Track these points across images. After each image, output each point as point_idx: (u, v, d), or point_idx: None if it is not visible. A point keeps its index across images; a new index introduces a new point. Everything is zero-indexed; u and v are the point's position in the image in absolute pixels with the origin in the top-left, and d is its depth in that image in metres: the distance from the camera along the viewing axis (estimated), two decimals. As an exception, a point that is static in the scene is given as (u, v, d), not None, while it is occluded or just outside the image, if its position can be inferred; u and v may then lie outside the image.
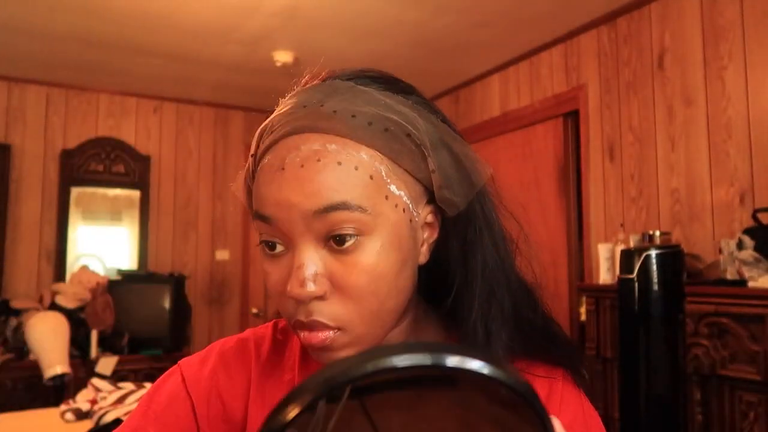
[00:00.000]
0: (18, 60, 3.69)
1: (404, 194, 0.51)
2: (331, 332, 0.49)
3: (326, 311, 0.48)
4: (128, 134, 4.34)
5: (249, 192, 0.55)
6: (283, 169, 0.48)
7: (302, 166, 0.48)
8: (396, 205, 0.50)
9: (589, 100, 3.15)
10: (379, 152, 0.49)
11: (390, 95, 0.52)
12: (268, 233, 0.50)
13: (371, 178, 0.48)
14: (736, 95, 2.45)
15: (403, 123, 0.50)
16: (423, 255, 0.54)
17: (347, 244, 0.48)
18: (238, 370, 0.60)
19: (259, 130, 0.54)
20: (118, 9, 2.96)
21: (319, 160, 0.47)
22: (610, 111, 3.03)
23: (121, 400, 2.12)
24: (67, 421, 2.08)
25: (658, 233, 2.45)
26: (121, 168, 4.28)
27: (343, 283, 0.48)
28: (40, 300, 3.79)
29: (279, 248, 0.50)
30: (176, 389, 0.59)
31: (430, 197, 0.53)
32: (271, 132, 0.51)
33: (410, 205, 0.51)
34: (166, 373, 0.62)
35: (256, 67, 3.74)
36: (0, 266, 3.86)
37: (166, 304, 3.81)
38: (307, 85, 0.53)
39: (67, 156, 4.10)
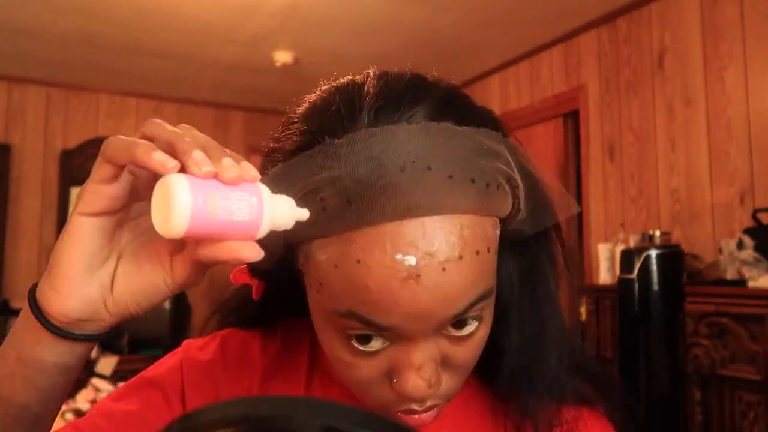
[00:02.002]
0: (18, 60, 3.69)
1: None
2: (440, 407, 0.44)
3: (442, 393, 0.43)
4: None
5: None
6: (419, 275, 0.37)
7: (444, 269, 0.38)
8: (494, 268, 0.44)
9: (589, 100, 3.15)
10: (497, 217, 0.42)
11: (485, 133, 0.41)
12: (373, 333, 0.41)
13: (495, 252, 0.42)
14: (736, 95, 2.44)
15: (506, 169, 0.41)
16: None
17: (470, 329, 0.42)
18: (240, 364, 0.55)
19: (303, 181, 0.39)
20: (118, 9, 2.96)
21: (460, 258, 0.38)
22: (610, 111, 3.03)
23: (121, 400, 2.12)
24: (68, 421, 2.08)
25: (658, 233, 2.45)
26: (121, 168, 4.27)
27: (457, 364, 0.43)
28: (40, 300, 3.78)
29: (377, 343, 0.41)
30: (173, 367, 0.55)
31: None
32: (348, 202, 0.37)
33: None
34: (171, 352, 0.58)
35: (256, 67, 3.74)
36: (0, 266, 3.86)
37: (166, 304, 3.81)
38: (381, 126, 0.39)
39: (67, 156, 4.10)
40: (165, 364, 0.56)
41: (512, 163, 0.42)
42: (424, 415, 0.43)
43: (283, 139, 0.43)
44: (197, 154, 0.33)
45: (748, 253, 2.05)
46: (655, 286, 2.15)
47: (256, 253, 0.34)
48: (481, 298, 0.40)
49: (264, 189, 0.34)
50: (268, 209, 0.34)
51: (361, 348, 0.41)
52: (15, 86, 4.00)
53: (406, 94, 0.41)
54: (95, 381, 2.35)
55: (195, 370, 0.54)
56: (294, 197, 0.37)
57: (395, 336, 0.40)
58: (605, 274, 2.68)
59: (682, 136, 2.66)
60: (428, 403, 0.43)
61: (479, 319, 0.42)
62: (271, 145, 0.44)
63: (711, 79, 2.55)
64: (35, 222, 4.01)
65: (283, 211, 0.35)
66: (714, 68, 2.53)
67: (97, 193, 0.38)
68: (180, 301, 3.91)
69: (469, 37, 3.31)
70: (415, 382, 0.40)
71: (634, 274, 2.19)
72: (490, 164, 0.40)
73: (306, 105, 0.44)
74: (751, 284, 1.96)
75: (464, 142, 0.39)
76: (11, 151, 3.94)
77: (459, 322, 0.41)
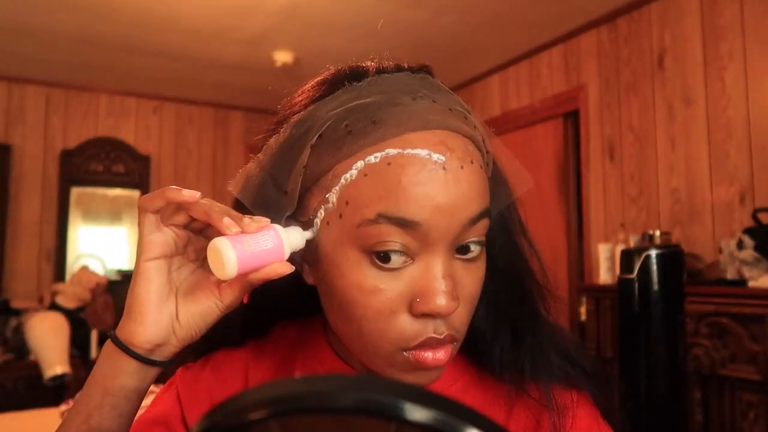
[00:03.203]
0: (18, 60, 3.69)
1: None
2: (453, 345, 0.46)
3: (454, 322, 0.45)
4: (128, 134, 4.34)
5: (270, 189, 0.48)
6: (444, 169, 0.43)
7: (462, 167, 0.44)
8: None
9: (589, 100, 3.15)
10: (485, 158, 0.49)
11: (461, 100, 0.51)
12: (396, 241, 0.43)
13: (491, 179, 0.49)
14: (736, 95, 2.45)
15: (480, 128, 0.50)
16: None
17: (474, 253, 0.46)
18: (231, 378, 0.58)
19: (324, 118, 0.46)
20: (118, 9, 2.96)
21: (472, 162, 0.45)
22: (610, 111, 3.03)
23: (121, 400, 2.12)
24: (67, 421, 2.08)
25: (658, 233, 2.45)
26: (121, 168, 4.28)
27: (466, 292, 0.46)
28: (40, 300, 3.79)
29: (399, 260, 0.43)
30: (171, 400, 0.58)
31: None
32: (373, 122, 0.44)
33: None
34: (166, 384, 0.61)
35: (256, 67, 3.74)
36: (0, 266, 3.86)
37: (166, 304, 3.80)
38: (382, 74, 0.49)
39: (67, 156, 4.10)
40: (162, 400, 0.59)
41: (478, 130, 0.49)
42: (440, 354, 0.44)
43: (297, 101, 0.50)
44: (226, 220, 0.43)
45: (748, 253, 2.05)
46: (655, 286, 2.15)
47: (288, 268, 0.45)
48: (488, 213, 0.46)
49: (276, 225, 0.45)
50: (284, 236, 0.45)
51: (383, 265, 0.43)
52: (15, 86, 4.00)
53: (402, 63, 0.52)
54: (95, 381, 2.35)
55: (192, 397, 0.57)
56: (318, 131, 0.45)
57: (420, 242, 0.43)
58: (605, 274, 2.68)
59: (682, 136, 2.66)
60: (445, 331, 0.44)
61: (481, 244, 0.46)
62: (286, 110, 0.51)
63: (711, 79, 2.55)
64: (35, 222, 4.01)
65: (295, 235, 0.46)
66: (714, 68, 2.53)
67: (150, 243, 0.46)
68: (180, 301, 3.91)
69: (469, 38, 3.31)
70: (438, 294, 0.43)
71: (634, 274, 2.19)
72: (479, 126, 0.49)
73: (315, 79, 0.52)
74: (751, 284, 1.96)
75: (450, 96, 0.49)
76: (11, 151, 3.94)
77: (464, 248, 0.45)
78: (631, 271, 2.20)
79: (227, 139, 4.66)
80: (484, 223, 0.45)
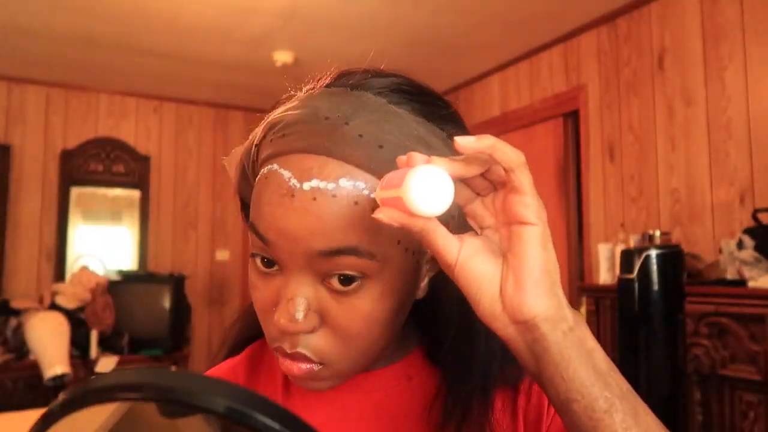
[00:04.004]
0: (18, 60, 3.69)
1: None
2: (314, 366, 0.46)
3: (312, 345, 0.45)
4: (128, 134, 4.34)
5: (243, 172, 0.52)
6: (293, 196, 0.43)
7: (315, 199, 0.43)
8: (406, 249, 0.46)
9: (589, 100, 3.15)
10: None
11: (424, 123, 0.47)
12: (263, 251, 0.46)
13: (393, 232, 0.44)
14: (736, 95, 2.45)
15: (421, 150, 0.45)
16: (422, 290, 0.50)
17: (347, 287, 0.44)
18: (263, 374, 0.59)
19: (269, 120, 0.49)
20: (118, 9, 2.96)
21: (334, 196, 0.43)
22: (610, 111, 3.03)
23: (121, 400, 2.12)
24: (67, 421, 2.08)
25: (658, 233, 2.45)
26: (121, 168, 4.28)
27: (335, 324, 0.45)
28: (40, 300, 3.79)
29: (271, 266, 0.46)
30: None
31: None
32: (283, 134, 0.46)
33: (419, 246, 0.47)
34: None
35: (256, 67, 3.74)
36: (0, 266, 3.86)
37: (166, 304, 3.81)
38: (333, 88, 0.48)
39: (67, 156, 4.10)
40: None
41: (437, 147, 0.46)
42: (294, 366, 0.46)
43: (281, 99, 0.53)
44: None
45: (748, 253, 2.05)
46: (655, 286, 2.15)
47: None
48: (353, 252, 0.43)
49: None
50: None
51: (261, 267, 0.47)
52: (15, 86, 4.00)
53: (357, 74, 0.49)
54: (95, 381, 2.35)
55: None
56: (263, 131, 0.48)
57: (276, 258, 0.45)
58: (605, 274, 2.68)
59: (682, 136, 2.66)
60: (297, 349, 0.45)
61: (357, 280, 0.44)
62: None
63: (711, 79, 2.55)
64: (35, 222, 4.01)
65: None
66: (714, 68, 2.53)
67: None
68: (180, 301, 3.91)
69: (468, 38, 3.31)
70: (281, 311, 0.44)
71: (634, 274, 2.19)
72: (412, 145, 0.45)
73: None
74: (751, 284, 1.96)
75: (393, 119, 0.45)
76: (11, 151, 3.94)
77: (340, 278, 0.44)
78: (631, 271, 2.20)
79: (227, 139, 4.66)
80: (350, 260, 0.43)
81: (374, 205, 0.42)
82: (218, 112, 4.66)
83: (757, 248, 2.06)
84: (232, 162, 0.54)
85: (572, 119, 3.33)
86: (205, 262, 4.53)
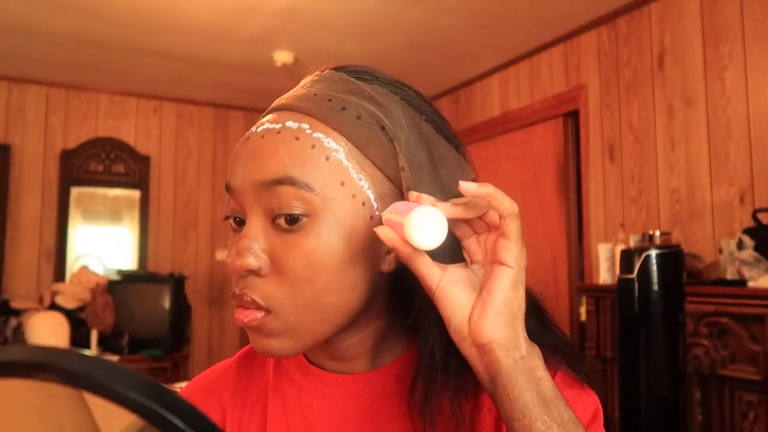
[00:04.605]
0: (18, 60, 3.69)
1: (366, 186, 0.48)
2: (260, 313, 0.47)
3: (259, 289, 0.47)
4: (128, 134, 4.34)
5: None
6: (248, 139, 0.50)
7: (263, 137, 0.49)
8: (353, 195, 0.48)
9: (589, 100, 3.15)
10: (345, 137, 0.48)
11: (378, 89, 0.51)
12: (231, 206, 0.50)
13: (327, 159, 0.47)
14: (736, 95, 2.44)
15: (379, 115, 0.49)
16: (388, 263, 0.50)
17: (293, 224, 0.47)
18: (211, 400, 0.59)
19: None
20: (118, 9, 2.96)
21: (278, 133, 0.48)
22: (610, 111, 3.03)
23: (121, 400, 2.12)
24: (67, 421, 2.08)
25: (658, 233, 2.45)
26: (121, 168, 4.28)
27: (282, 264, 0.47)
28: (40, 300, 3.79)
29: (239, 223, 0.50)
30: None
31: None
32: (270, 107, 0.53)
33: (372, 201, 0.48)
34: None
35: (256, 67, 3.74)
36: (0, 266, 3.86)
37: (166, 304, 3.81)
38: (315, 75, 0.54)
39: (67, 156, 4.10)
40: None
41: (398, 124, 0.49)
42: (244, 314, 0.47)
43: None
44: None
45: (748, 253, 2.05)
46: (655, 286, 2.15)
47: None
48: (291, 181, 0.46)
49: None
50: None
51: (234, 226, 0.50)
52: (15, 86, 4.00)
53: (359, 68, 0.54)
54: (95, 381, 2.35)
55: (198, 395, 0.60)
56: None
57: (238, 206, 0.49)
58: (605, 274, 2.68)
59: (682, 136, 2.66)
60: (245, 290, 0.47)
61: (304, 218, 0.46)
62: None
63: (711, 79, 2.55)
64: (35, 222, 4.01)
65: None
66: (714, 68, 2.53)
67: None
68: (180, 301, 3.91)
69: (469, 38, 3.31)
70: (231, 251, 0.48)
71: (634, 274, 2.19)
72: (362, 103, 0.49)
73: None
74: (751, 284, 1.96)
75: (347, 85, 0.51)
76: (11, 151, 3.94)
77: (287, 217, 0.46)
78: (631, 271, 2.20)
79: (227, 139, 4.66)
80: (291, 192, 0.46)
81: (314, 143, 0.48)
82: (218, 112, 4.66)
83: (757, 248, 2.06)
84: None
85: (572, 119, 3.33)
86: (205, 262, 4.53)
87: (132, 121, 4.37)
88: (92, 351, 3.55)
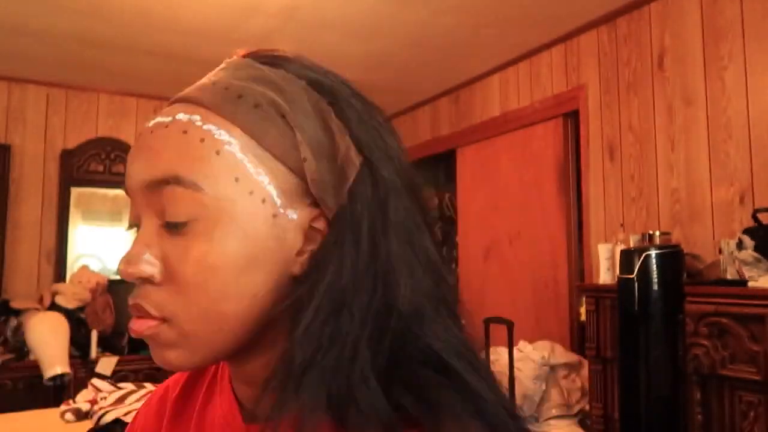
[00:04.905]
0: (18, 60, 3.69)
1: (267, 182, 0.43)
2: (154, 322, 0.43)
3: (152, 297, 0.43)
4: (128, 134, 4.34)
5: None
6: (141, 134, 0.46)
7: (152, 132, 0.44)
8: (251, 192, 0.42)
9: (589, 100, 3.15)
10: (240, 128, 0.43)
11: (283, 74, 0.46)
12: (132, 212, 0.48)
13: (217, 153, 0.42)
14: (736, 95, 2.45)
15: (280, 101, 0.44)
16: (300, 265, 0.44)
17: (182, 227, 0.42)
18: (155, 411, 0.60)
19: None
20: (118, 9, 2.96)
21: (166, 127, 0.44)
22: (610, 111, 3.03)
23: (121, 401, 2.12)
24: (67, 421, 2.08)
25: (658, 233, 2.45)
26: (121, 168, 4.27)
27: (174, 270, 0.42)
28: (40, 300, 3.79)
29: (134, 226, 0.48)
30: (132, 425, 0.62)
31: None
32: None
33: (274, 197, 0.43)
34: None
35: (256, 67, 3.73)
36: (0, 266, 3.86)
37: (166, 304, 3.80)
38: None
39: (67, 156, 4.10)
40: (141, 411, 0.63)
41: (299, 110, 0.44)
42: (138, 323, 0.44)
43: None
44: None
45: (748, 253, 2.05)
46: (655, 286, 2.15)
47: None
48: (177, 181, 0.42)
49: None
50: None
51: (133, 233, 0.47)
52: (15, 86, 4.00)
53: (271, 53, 0.50)
54: (95, 381, 2.35)
55: (154, 401, 0.61)
56: None
57: (133, 210, 0.47)
58: (605, 274, 2.68)
59: (682, 136, 2.66)
60: (137, 300, 0.44)
61: (194, 220, 0.42)
62: None
63: (711, 79, 2.55)
64: (35, 222, 4.01)
65: None
66: (714, 68, 2.53)
67: None
68: (180, 301, 3.91)
69: (468, 38, 3.31)
70: (121, 258, 0.44)
71: (634, 274, 2.19)
72: (261, 90, 0.44)
73: None
74: (751, 284, 1.96)
75: (250, 71, 0.46)
76: (11, 151, 3.94)
77: (169, 223, 0.43)
78: (631, 271, 2.20)
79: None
80: (177, 193, 0.42)
81: (204, 136, 0.43)
82: (218, 112, 4.65)
83: (757, 248, 2.06)
84: None
85: (572, 119, 3.33)
86: (205, 262, 4.53)
87: (132, 121, 4.37)
88: (92, 351, 3.55)
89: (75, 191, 4.14)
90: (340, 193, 0.43)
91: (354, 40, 3.32)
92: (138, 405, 2.04)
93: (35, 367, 3.23)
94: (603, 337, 2.52)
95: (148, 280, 0.43)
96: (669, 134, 2.72)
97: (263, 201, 0.43)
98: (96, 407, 2.09)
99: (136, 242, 0.44)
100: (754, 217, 2.22)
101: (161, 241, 0.43)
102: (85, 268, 3.85)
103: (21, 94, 4.02)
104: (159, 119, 0.45)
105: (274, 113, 0.43)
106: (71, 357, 3.34)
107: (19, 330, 3.43)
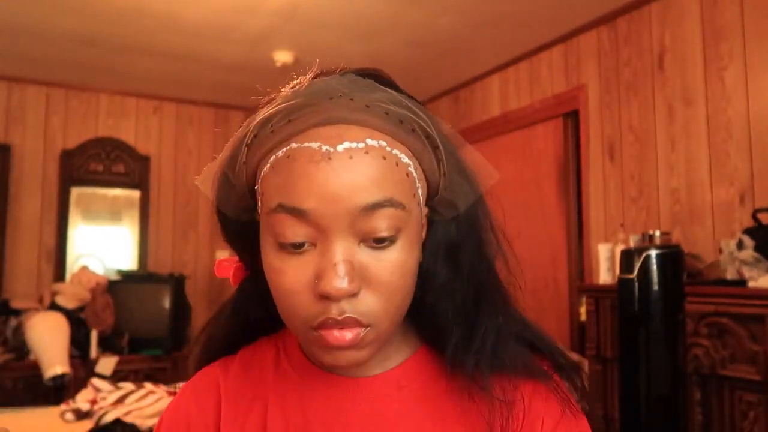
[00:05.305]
0: (18, 60, 3.69)
1: (421, 193, 0.51)
2: (362, 329, 0.48)
3: (360, 308, 0.47)
4: (128, 134, 4.34)
5: (226, 184, 0.54)
6: (330, 159, 0.46)
7: (351, 157, 0.46)
8: (418, 203, 0.50)
9: (589, 100, 3.15)
10: (410, 150, 0.50)
11: (406, 97, 0.52)
12: (294, 228, 0.47)
13: (407, 175, 0.49)
14: (736, 95, 2.45)
15: (423, 125, 0.50)
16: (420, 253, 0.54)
17: (386, 242, 0.47)
18: (206, 395, 0.59)
19: (259, 120, 0.51)
20: (118, 9, 2.96)
21: (367, 153, 0.47)
22: (610, 111, 3.03)
23: (121, 400, 2.12)
24: (67, 421, 2.08)
25: (658, 233, 2.45)
26: (121, 168, 4.28)
27: (376, 280, 0.47)
28: (40, 300, 3.79)
29: (301, 244, 0.48)
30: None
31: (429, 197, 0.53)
32: (289, 120, 0.48)
33: (422, 203, 0.52)
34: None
35: (256, 67, 3.74)
36: (0, 266, 3.86)
37: (166, 304, 3.81)
38: (321, 78, 0.52)
39: (67, 156, 4.10)
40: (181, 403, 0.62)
41: (432, 128, 0.50)
42: (345, 334, 0.47)
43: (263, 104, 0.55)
44: None
45: (748, 253, 2.05)
46: (655, 286, 2.15)
47: None
48: (390, 203, 0.47)
49: None
50: None
51: (289, 249, 0.48)
52: (15, 86, 4.00)
53: (340, 69, 0.53)
54: (95, 381, 2.35)
55: (176, 425, 0.60)
56: (253, 131, 0.51)
57: (315, 228, 0.47)
58: (605, 274, 2.68)
59: (682, 136, 2.66)
60: (346, 314, 0.47)
61: (392, 240, 0.48)
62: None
63: (711, 79, 2.55)
64: (35, 222, 4.01)
65: None
66: (714, 68, 2.54)
67: None
68: (180, 301, 3.91)
69: (468, 38, 3.31)
70: (330, 278, 0.45)
71: (634, 274, 2.18)
72: (407, 113, 0.49)
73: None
74: (751, 284, 1.96)
75: (384, 94, 0.50)
76: (11, 151, 3.94)
77: (378, 239, 0.47)
78: (631, 271, 2.20)
79: (227, 139, 4.57)
80: (389, 213, 0.47)
81: (396, 161, 0.48)
82: (218, 112, 4.66)
83: (757, 248, 2.06)
84: (207, 179, 0.56)
85: (572, 119, 3.33)
86: (205, 262, 4.53)
87: (132, 121, 4.37)
88: (92, 351, 3.55)
89: (75, 191, 4.14)
90: (469, 199, 0.53)
91: (354, 40, 3.32)
92: (138, 405, 2.04)
93: (35, 367, 3.23)
94: (603, 337, 2.52)
95: (352, 294, 0.47)
96: (669, 134, 2.72)
97: (421, 209, 0.51)
98: (96, 407, 2.09)
99: (340, 262, 0.46)
100: (754, 217, 2.22)
101: (359, 257, 0.47)
102: (85, 268, 3.85)
103: (21, 94, 4.02)
104: (347, 144, 0.46)
105: (422, 135, 0.50)
106: (71, 357, 3.34)
107: (19, 330, 3.43)
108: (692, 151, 2.61)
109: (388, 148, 0.48)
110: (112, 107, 4.31)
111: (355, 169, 0.46)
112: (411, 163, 0.49)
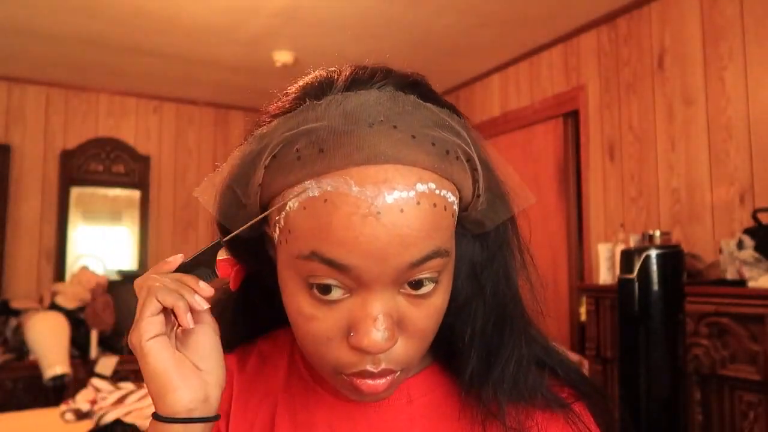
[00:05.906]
0: (18, 60, 3.69)
1: (455, 219, 0.47)
2: (395, 374, 0.46)
3: (395, 357, 0.45)
4: (128, 134, 4.34)
5: (233, 201, 0.48)
6: (379, 213, 0.40)
7: (402, 211, 0.41)
8: (452, 236, 0.46)
9: (589, 100, 3.15)
10: (454, 183, 0.45)
11: (448, 114, 0.46)
12: (330, 277, 0.43)
13: (453, 216, 0.45)
14: (736, 95, 2.45)
15: (466, 148, 0.45)
16: None
17: (426, 289, 0.44)
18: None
19: (278, 138, 0.44)
20: (118, 9, 2.96)
21: (418, 203, 0.42)
22: (610, 111, 3.03)
23: (121, 401, 2.12)
24: (67, 421, 2.08)
25: (658, 233, 2.45)
26: (121, 168, 4.28)
27: (413, 327, 0.45)
28: (40, 300, 3.79)
29: (338, 293, 0.43)
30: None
31: None
32: (321, 149, 0.41)
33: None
34: None
35: (256, 67, 3.74)
36: (0, 266, 3.86)
37: (166, 304, 3.80)
38: (357, 91, 0.44)
39: (67, 156, 4.10)
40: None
41: (472, 147, 0.46)
42: (379, 382, 0.45)
43: (271, 108, 0.49)
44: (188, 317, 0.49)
45: (748, 253, 2.05)
46: (655, 286, 2.15)
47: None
48: (438, 254, 0.43)
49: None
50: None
51: (322, 297, 0.44)
52: (15, 86, 4.00)
53: (378, 72, 0.47)
54: (95, 381, 2.35)
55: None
56: (272, 151, 0.43)
57: (354, 282, 0.43)
58: (605, 274, 2.68)
59: (682, 136, 2.66)
60: (383, 365, 0.44)
61: (436, 281, 0.45)
62: (262, 115, 0.50)
63: (711, 79, 2.55)
64: (35, 222, 4.01)
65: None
66: (714, 68, 2.53)
67: (152, 323, 0.48)
68: (180, 301, 3.91)
69: (469, 38, 3.31)
70: (370, 333, 0.42)
71: (634, 274, 2.19)
72: (451, 137, 0.44)
73: (294, 86, 0.51)
74: (751, 284, 1.96)
75: (427, 114, 0.44)
76: (11, 151, 3.94)
77: (416, 283, 0.44)
78: (631, 271, 2.20)
79: (227, 139, 4.66)
80: (435, 262, 0.43)
81: (445, 204, 0.44)
82: (218, 112, 4.66)
83: (757, 248, 2.06)
84: (207, 190, 0.51)
85: (572, 119, 3.33)
86: (205, 262, 4.53)
87: (132, 121, 4.37)
88: (92, 351, 3.55)
89: (75, 191, 4.14)
90: (501, 217, 0.50)
91: (354, 40, 3.32)
92: (138, 405, 2.04)
93: (35, 367, 3.23)
94: (603, 337, 2.52)
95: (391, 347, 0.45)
96: (669, 134, 2.72)
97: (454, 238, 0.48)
98: (96, 407, 2.09)
99: (378, 318, 0.43)
100: (754, 217, 2.22)
101: (397, 306, 0.44)
102: (85, 268, 3.84)
103: (21, 94, 4.02)
104: (398, 194, 0.41)
105: (464, 160, 0.45)
106: (71, 357, 3.34)
107: (19, 330, 3.43)
108: (692, 151, 2.61)
109: (437, 191, 0.43)
110: (112, 107, 4.31)
111: (405, 224, 0.41)
112: (455, 199, 0.45)
